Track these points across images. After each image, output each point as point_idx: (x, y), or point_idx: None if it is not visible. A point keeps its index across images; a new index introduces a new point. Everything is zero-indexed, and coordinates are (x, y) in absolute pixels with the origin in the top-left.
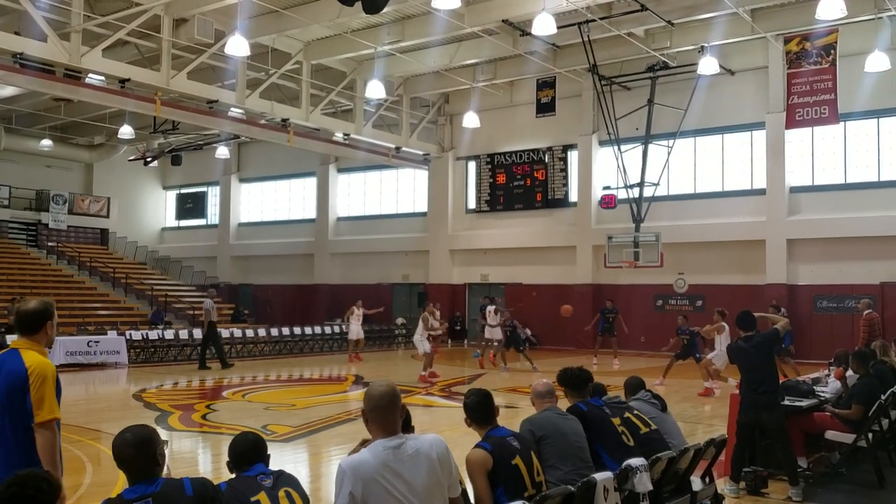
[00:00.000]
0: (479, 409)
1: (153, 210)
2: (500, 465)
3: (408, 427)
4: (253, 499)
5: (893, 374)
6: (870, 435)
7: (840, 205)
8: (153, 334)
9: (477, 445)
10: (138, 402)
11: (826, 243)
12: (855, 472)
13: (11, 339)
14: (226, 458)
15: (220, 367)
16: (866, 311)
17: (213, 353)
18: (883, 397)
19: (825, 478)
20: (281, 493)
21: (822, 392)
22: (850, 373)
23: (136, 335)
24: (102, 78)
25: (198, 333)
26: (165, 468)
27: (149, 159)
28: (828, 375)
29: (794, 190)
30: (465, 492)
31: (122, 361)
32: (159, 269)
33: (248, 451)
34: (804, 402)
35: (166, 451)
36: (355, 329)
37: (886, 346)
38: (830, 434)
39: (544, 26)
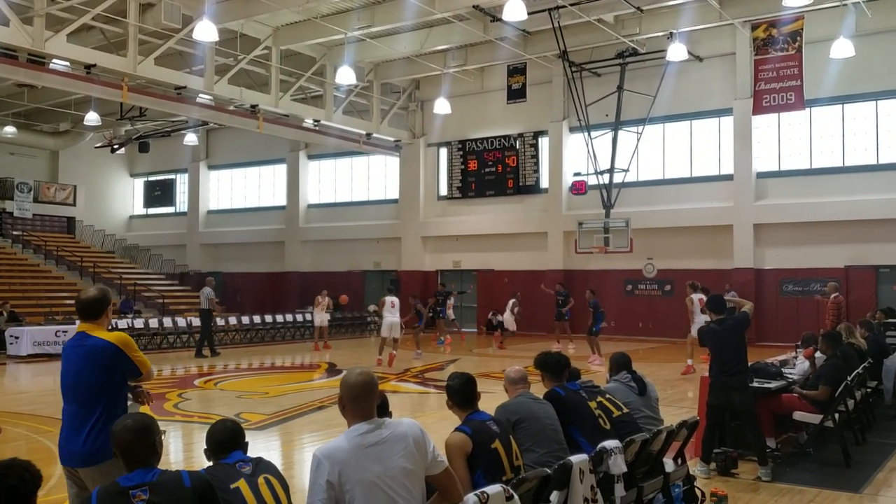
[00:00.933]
0: (462, 392)
1: (121, 198)
2: (479, 449)
3: (384, 412)
4: (232, 486)
5: (859, 356)
6: (836, 415)
7: (805, 190)
8: (122, 323)
9: (457, 429)
10: None
11: (792, 228)
12: (822, 451)
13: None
14: (200, 446)
15: (194, 356)
16: (833, 295)
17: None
18: (849, 378)
19: (793, 457)
20: (260, 480)
21: (790, 374)
22: (817, 354)
23: None
24: (67, 63)
25: (168, 322)
26: None
27: (116, 146)
28: (795, 357)
29: (760, 175)
30: None
31: None
32: (127, 258)
33: (226, 440)
34: (773, 384)
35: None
36: (319, 318)
37: (851, 328)
38: (798, 415)
39: (515, 12)
